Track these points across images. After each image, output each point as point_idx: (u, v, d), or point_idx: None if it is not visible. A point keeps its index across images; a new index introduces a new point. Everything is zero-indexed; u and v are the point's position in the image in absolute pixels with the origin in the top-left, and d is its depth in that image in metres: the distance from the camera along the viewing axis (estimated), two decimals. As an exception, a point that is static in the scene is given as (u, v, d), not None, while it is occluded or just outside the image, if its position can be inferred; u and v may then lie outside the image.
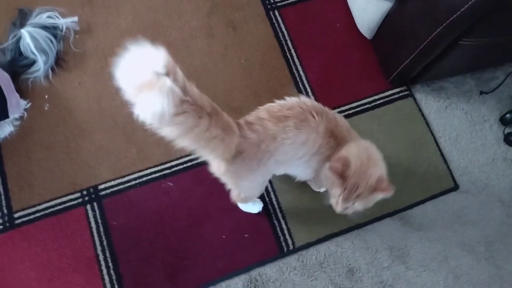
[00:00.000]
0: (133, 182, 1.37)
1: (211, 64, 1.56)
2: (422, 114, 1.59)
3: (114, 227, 1.31)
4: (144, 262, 1.29)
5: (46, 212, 1.31)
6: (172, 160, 1.41)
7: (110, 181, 1.36)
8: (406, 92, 1.61)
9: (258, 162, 0.99)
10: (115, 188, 1.36)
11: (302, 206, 1.40)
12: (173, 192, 1.37)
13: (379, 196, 0.99)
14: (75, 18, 1.51)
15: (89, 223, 1.31)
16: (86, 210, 1.32)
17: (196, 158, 1.42)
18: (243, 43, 1.60)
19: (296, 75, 1.58)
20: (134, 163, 1.39)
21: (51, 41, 1.43)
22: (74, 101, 1.45)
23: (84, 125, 1.42)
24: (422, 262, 1.40)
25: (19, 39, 1.38)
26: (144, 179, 1.38)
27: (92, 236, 1.30)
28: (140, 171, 1.38)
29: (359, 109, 1.56)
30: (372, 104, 1.58)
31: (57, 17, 1.48)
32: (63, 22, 1.48)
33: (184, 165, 1.41)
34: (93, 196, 1.34)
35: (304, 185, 1.34)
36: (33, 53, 1.39)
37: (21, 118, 1.40)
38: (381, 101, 1.59)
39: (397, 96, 1.60)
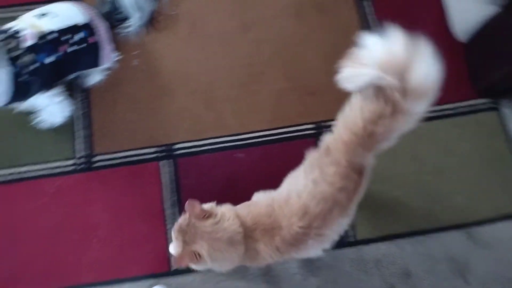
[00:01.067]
0: (207, 147, 1.40)
1: (294, 44, 1.55)
2: (505, 131, 1.51)
3: (184, 186, 1.35)
4: (207, 225, 1.33)
5: (123, 161, 1.37)
6: (246, 133, 1.43)
7: (185, 142, 1.40)
8: (492, 105, 1.53)
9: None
10: (190, 150, 1.40)
11: (372, 201, 1.38)
12: (243, 163, 1.40)
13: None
14: (174, -19, 1.55)
15: (161, 178, 1.36)
16: (160, 165, 1.37)
17: (268, 135, 1.44)
18: (328, 27, 1.58)
19: (380, 69, 1.54)
20: (210, 129, 1.42)
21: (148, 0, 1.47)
22: (161, 61, 1.50)
23: (169, 85, 1.47)
24: (482, 281, 1.34)
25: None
26: (217, 146, 1.41)
27: (162, 191, 1.35)
28: (215, 137, 1.41)
29: (439, 114, 1.51)
30: (454, 111, 1.52)
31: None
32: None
33: (256, 140, 1.43)
34: (168, 153, 1.39)
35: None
36: (130, 8, 1.44)
37: (110, 69, 1.46)
38: (464, 109, 1.52)
39: (482, 107, 1.53)
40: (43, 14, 1.21)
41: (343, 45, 1.53)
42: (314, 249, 1.02)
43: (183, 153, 1.39)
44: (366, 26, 1.59)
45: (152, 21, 1.52)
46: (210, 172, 1.38)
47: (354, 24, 1.60)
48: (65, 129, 1.40)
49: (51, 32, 1.19)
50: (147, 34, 1.51)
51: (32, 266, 1.27)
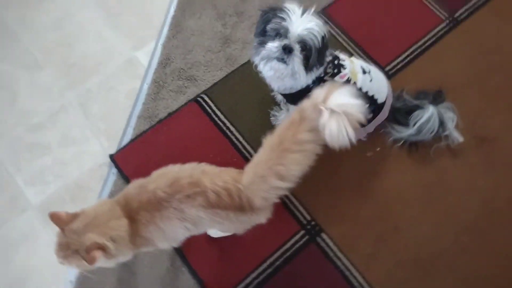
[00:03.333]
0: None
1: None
2: None
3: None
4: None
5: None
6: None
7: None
8: None
9: None
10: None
11: None
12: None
13: (84, 263, 0.90)
14: (460, 139, 1.52)
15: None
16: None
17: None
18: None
19: None
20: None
21: (432, 131, 1.47)
22: (387, 172, 1.49)
23: (372, 192, 1.47)
24: None
25: (421, 107, 1.46)
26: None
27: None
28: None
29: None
30: None
31: (453, 122, 1.51)
32: (452, 131, 1.50)
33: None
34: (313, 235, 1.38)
35: None
36: (416, 124, 1.45)
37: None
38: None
39: None
40: (366, 72, 1.32)
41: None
42: (175, 227, 1.01)
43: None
44: None
45: (413, 145, 1.53)
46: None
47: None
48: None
49: (358, 89, 1.28)
50: (399, 147, 1.53)
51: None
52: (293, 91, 1.27)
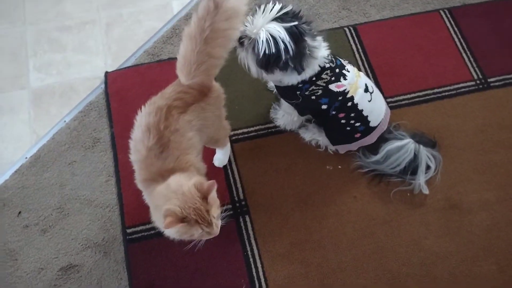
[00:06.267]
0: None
1: None
2: None
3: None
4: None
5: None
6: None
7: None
8: None
9: None
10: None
11: None
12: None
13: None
14: (426, 192, 1.44)
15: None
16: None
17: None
18: None
19: None
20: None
21: (398, 165, 1.41)
22: (336, 189, 1.47)
23: (321, 205, 1.46)
24: None
25: (400, 139, 1.43)
26: None
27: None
28: None
29: None
30: None
31: (429, 171, 1.43)
32: (421, 179, 1.42)
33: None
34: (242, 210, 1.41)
35: None
36: (384, 149, 1.41)
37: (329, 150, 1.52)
38: None
39: None
40: (369, 91, 1.33)
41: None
42: (187, 139, 1.06)
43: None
44: None
45: (377, 177, 1.49)
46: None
47: None
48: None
49: (351, 101, 1.29)
50: (362, 174, 1.49)
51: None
52: (280, 84, 1.30)
